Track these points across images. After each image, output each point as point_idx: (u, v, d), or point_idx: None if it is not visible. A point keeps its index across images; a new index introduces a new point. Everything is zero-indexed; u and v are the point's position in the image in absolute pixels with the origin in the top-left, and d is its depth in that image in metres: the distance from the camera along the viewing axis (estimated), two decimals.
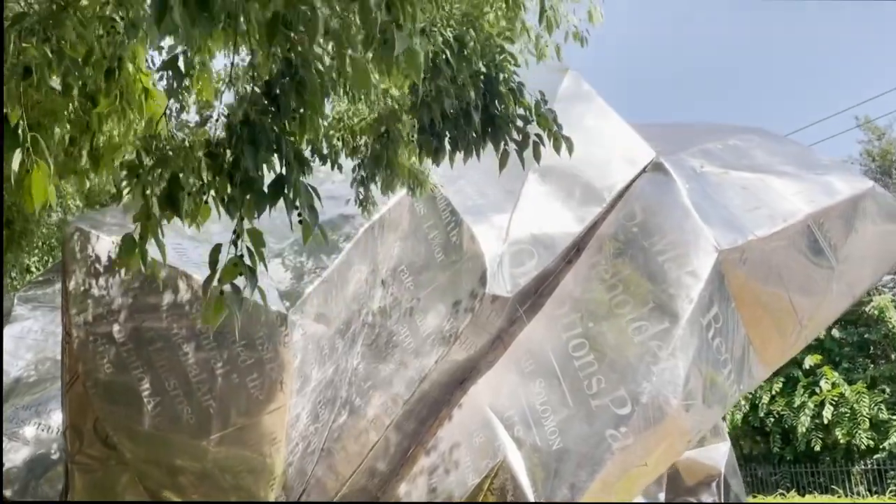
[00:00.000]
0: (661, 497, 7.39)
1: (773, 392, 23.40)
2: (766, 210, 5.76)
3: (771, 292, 5.70)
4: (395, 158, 4.23)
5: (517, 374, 5.75)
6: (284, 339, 5.27)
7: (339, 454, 5.77)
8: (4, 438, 6.85)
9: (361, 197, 4.88)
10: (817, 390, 22.37)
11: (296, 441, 5.45)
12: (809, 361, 22.77)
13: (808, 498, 19.91)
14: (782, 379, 23.49)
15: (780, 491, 21.76)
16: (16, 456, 6.84)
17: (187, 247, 5.45)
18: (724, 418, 8.07)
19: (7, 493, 6.55)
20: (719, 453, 7.51)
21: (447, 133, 3.59)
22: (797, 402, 22.53)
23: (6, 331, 7.80)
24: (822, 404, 21.81)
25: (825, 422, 21.55)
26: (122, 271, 5.13)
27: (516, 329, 5.94)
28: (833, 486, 21.11)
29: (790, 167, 6.30)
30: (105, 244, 5.13)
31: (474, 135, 3.59)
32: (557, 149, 3.77)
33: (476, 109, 3.47)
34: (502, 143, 3.66)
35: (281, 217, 6.36)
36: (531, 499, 5.23)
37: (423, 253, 6.12)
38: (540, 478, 5.28)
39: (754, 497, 22.14)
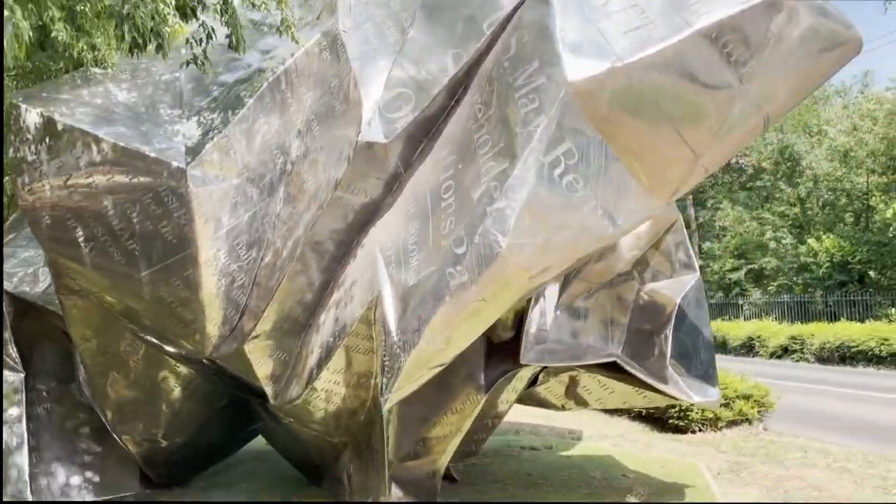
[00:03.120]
0: (625, 322, 7.49)
1: None
2: (647, 30, 5.21)
3: (647, 123, 5.28)
4: None
5: (403, 216, 6.09)
6: (186, 191, 6.02)
7: (264, 288, 6.60)
8: None
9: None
10: None
11: (217, 277, 6.33)
12: None
13: None
14: None
15: None
16: None
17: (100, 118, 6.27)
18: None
19: None
20: (681, 285, 7.32)
21: None
22: None
23: None
24: None
25: None
26: (47, 138, 6.12)
27: (412, 173, 6.19)
28: None
29: None
30: (33, 116, 6.09)
31: None
32: None
33: None
34: None
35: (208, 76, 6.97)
36: (392, 328, 5.75)
37: (327, 102, 6.43)
38: (400, 310, 5.76)
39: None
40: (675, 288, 7.30)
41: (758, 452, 9.75)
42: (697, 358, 7.25)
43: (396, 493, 7.11)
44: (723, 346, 27.62)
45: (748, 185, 39.01)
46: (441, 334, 5.43)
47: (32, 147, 6.13)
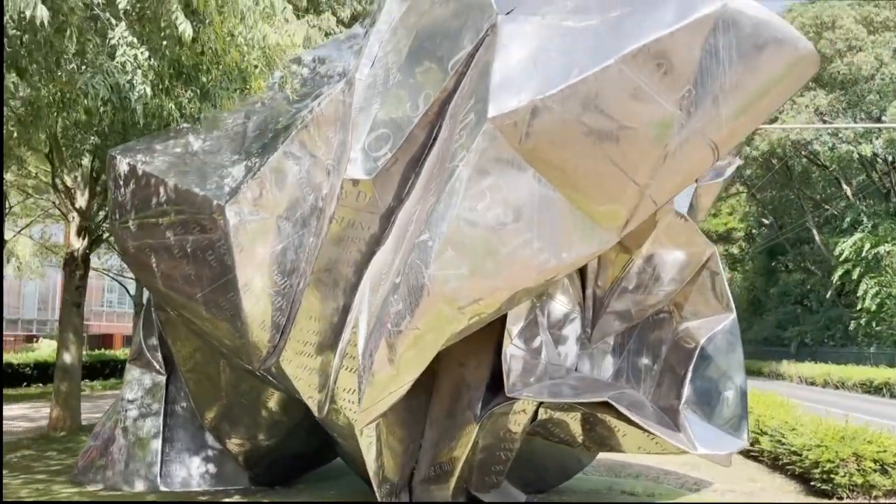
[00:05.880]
0: (659, 362, 7.12)
1: None
2: (572, 58, 5.10)
3: (579, 154, 5.10)
4: None
5: (390, 247, 6.54)
6: (225, 225, 7.11)
7: (297, 312, 7.44)
8: None
9: None
10: None
11: (254, 301, 7.32)
12: None
13: None
14: None
15: None
16: None
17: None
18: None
19: None
20: (713, 325, 6.67)
21: None
22: None
23: None
24: None
25: None
26: (131, 182, 7.60)
27: (401, 208, 6.64)
28: None
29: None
30: (123, 165, 7.63)
31: None
32: None
33: None
34: None
35: (270, 123, 8.07)
36: (360, 352, 6.20)
37: (343, 143, 7.13)
38: (365, 335, 6.20)
39: None
40: (707, 328, 6.74)
41: None
42: (723, 405, 6.58)
43: None
44: None
45: None
46: (388, 361, 5.78)
47: (122, 190, 7.66)
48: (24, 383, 29.07)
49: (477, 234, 5.34)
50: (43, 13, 4.24)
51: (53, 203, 17.74)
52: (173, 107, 7.64)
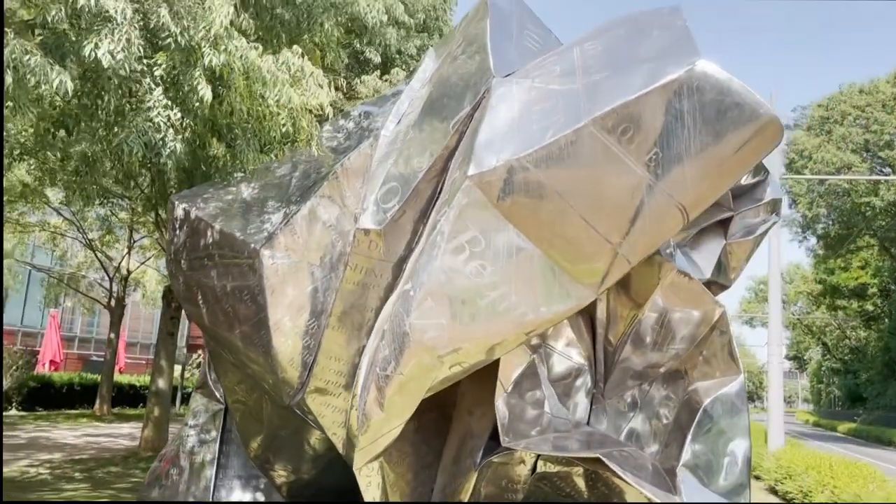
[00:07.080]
0: (669, 422, 7.04)
1: None
2: (550, 121, 5.31)
3: (554, 213, 5.22)
4: None
5: (397, 294, 6.89)
6: (259, 267, 7.72)
7: (320, 352, 7.90)
8: None
9: None
10: None
11: (284, 339, 7.85)
12: None
13: None
14: None
15: None
16: None
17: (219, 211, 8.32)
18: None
19: None
20: (719, 387, 6.47)
21: None
22: None
23: None
24: None
25: None
26: (185, 226, 8.38)
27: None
28: None
29: (615, 63, 5.26)
30: (179, 210, 8.43)
31: None
32: None
33: None
34: None
35: (311, 174, 8.81)
36: (358, 393, 6.52)
37: (365, 194, 7.59)
38: (362, 378, 6.52)
39: None
40: (714, 389, 6.57)
41: None
42: (723, 470, 6.34)
43: None
44: None
45: None
46: (378, 404, 6.09)
47: (177, 231, 8.47)
48: (140, 404, 31.39)
49: (455, 285, 5.60)
50: (68, 85, 5.01)
51: (156, 240, 19.36)
52: (227, 157, 8.42)
